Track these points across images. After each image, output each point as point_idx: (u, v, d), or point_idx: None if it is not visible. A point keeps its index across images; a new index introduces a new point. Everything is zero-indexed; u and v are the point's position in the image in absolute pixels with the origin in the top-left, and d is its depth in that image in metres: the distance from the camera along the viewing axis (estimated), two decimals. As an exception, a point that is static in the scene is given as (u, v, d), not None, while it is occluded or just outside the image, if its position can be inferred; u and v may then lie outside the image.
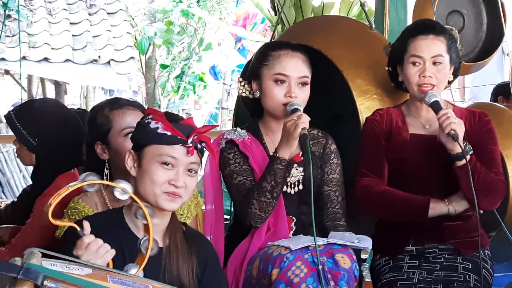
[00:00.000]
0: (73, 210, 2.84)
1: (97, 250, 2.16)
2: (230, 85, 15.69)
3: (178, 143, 2.38)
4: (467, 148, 3.01)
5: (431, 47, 3.14)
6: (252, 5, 13.69)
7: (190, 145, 2.39)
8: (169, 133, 2.38)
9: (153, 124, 2.40)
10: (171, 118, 2.43)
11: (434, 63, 3.14)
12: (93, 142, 2.90)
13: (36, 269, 1.69)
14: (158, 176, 2.37)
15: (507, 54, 4.93)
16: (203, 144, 2.44)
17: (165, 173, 2.38)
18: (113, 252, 2.21)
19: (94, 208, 2.82)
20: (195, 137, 2.40)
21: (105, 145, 2.86)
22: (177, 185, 2.38)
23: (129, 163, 2.44)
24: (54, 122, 3.40)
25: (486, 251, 3.22)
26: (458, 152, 3.00)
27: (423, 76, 3.13)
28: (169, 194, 2.38)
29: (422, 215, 3.10)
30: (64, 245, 2.23)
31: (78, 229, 2.16)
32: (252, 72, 3.12)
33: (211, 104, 15.96)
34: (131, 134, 2.60)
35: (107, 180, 2.82)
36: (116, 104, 2.92)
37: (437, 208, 3.11)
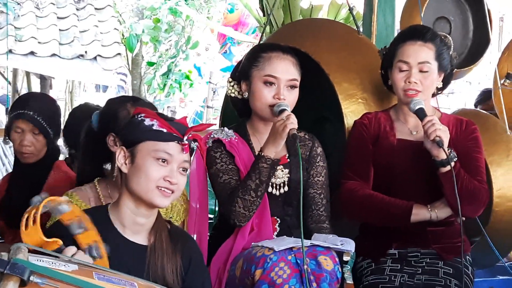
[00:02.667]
0: None
1: None
2: (216, 84, 15.72)
3: (174, 140, 2.41)
4: (451, 154, 3.04)
5: (418, 53, 3.17)
6: (244, 13, 13.72)
7: (186, 142, 2.41)
8: (165, 130, 2.40)
9: (147, 122, 2.41)
10: (164, 117, 2.45)
11: (421, 70, 3.16)
12: (105, 133, 2.90)
13: (23, 264, 1.69)
14: (153, 171, 2.38)
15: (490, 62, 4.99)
16: (196, 143, 2.46)
17: (160, 169, 2.39)
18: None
19: (87, 202, 2.84)
20: (190, 135, 2.42)
21: (119, 138, 2.87)
22: (172, 182, 2.40)
23: (121, 159, 2.44)
24: (57, 112, 3.68)
25: (467, 256, 3.25)
26: (443, 158, 3.02)
27: (409, 82, 3.15)
28: (162, 190, 2.39)
29: (405, 220, 3.12)
30: (53, 235, 2.23)
31: (60, 244, 2.14)
32: (242, 72, 3.14)
33: (197, 102, 15.96)
34: None
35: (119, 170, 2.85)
36: (137, 101, 2.96)
37: (420, 214, 3.13)
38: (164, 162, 2.40)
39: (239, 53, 14.42)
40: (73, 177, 3.35)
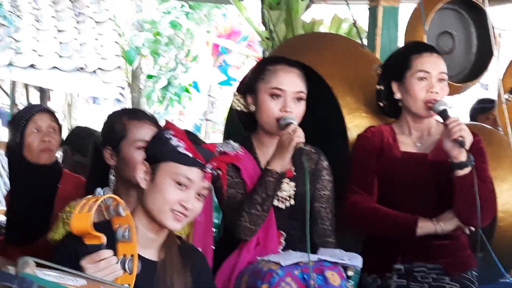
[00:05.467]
0: (68, 214, 2.87)
1: (105, 268, 2.12)
2: (215, 98, 15.76)
3: (197, 166, 2.36)
4: (471, 157, 3.02)
5: (437, 64, 3.19)
6: (236, 22, 13.78)
7: (209, 171, 2.37)
8: (190, 154, 2.35)
9: (174, 141, 2.36)
10: (191, 139, 2.40)
11: (439, 80, 3.17)
12: (103, 146, 2.91)
13: (31, 279, 1.67)
14: (170, 194, 2.34)
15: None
16: (219, 171, 2.42)
17: (178, 193, 2.35)
18: (118, 274, 2.17)
19: None
20: (215, 164, 2.38)
21: (114, 151, 2.87)
22: (187, 207, 2.35)
23: (141, 174, 2.39)
24: None
25: (473, 272, 3.23)
26: (462, 160, 3.00)
27: (431, 92, 3.14)
28: (176, 214, 2.35)
29: (410, 234, 3.10)
30: (64, 251, 2.21)
31: (103, 241, 2.13)
32: (248, 86, 3.12)
33: (196, 115, 15.98)
34: (143, 147, 2.60)
35: (114, 186, 2.85)
36: (135, 115, 2.94)
37: (424, 227, 3.11)
38: (183, 186, 2.35)
39: (235, 62, 14.47)
40: (84, 182, 3.34)
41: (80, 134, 4.46)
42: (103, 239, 2.13)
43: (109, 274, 2.11)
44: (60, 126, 3.67)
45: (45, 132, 3.56)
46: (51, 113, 3.68)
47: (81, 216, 2.06)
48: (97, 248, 2.10)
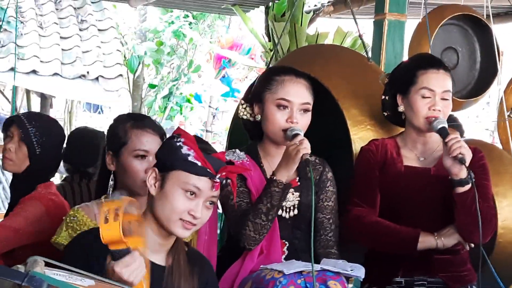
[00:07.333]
0: (72, 218, 2.86)
1: (137, 269, 2.11)
2: (216, 109, 15.77)
3: (206, 176, 2.36)
4: (471, 174, 3.02)
5: (442, 82, 3.18)
6: (238, 35, 13.82)
7: (218, 180, 2.37)
8: (199, 163, 2.36)
9: (184, 150, 2.37)
10: (202, 147, 2.41)
11: (443, 98, 3.17)
12: (107, 150, 2.93)
13: (40, 278, 1.68)
14: (179, 203, 2.35)
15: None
16: (229, 181, 2.43)
17: (187, 202, 2.36)
18: (144, 273, 2.16)
19: (92, 218, 2.83)
20: (224, 174, 2.39)
21: (115, 157, 2.88)
22: (196, 216, 2.36)
23: (151, 181, 2.40)
24: (57, 142, 3.47)
25: (473, 286, 3.23)
26: (462, 177, 3.01)
27: (433, 110, 3.15)
28: (184, 222, 2.36)
29: (411, 248, 3.11)
30: (73, 253, 2.21)
31: (130, 245, 2.11)
32: (255, 95, 3.13)
33: (197, 125, 15.99)
34: (142, 156, 2.60)
35: (112, 190, 2.86)
36: (138, 122, 2.93)
37: (426, 241, 3.11)
38: (192, 195, 2.36)
39: (237, 75, 14.50)
40: (44, 200, 3.26)
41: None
42: (129, 243, 2.12)
43: (139, 274, 2.11)
44: (26, 134, 3.38)
45: (12, 142, 3.40)
46: (20, 119, 3.46)
47: (110, 226, 2.04)
48: (126, 252, 2.09)
